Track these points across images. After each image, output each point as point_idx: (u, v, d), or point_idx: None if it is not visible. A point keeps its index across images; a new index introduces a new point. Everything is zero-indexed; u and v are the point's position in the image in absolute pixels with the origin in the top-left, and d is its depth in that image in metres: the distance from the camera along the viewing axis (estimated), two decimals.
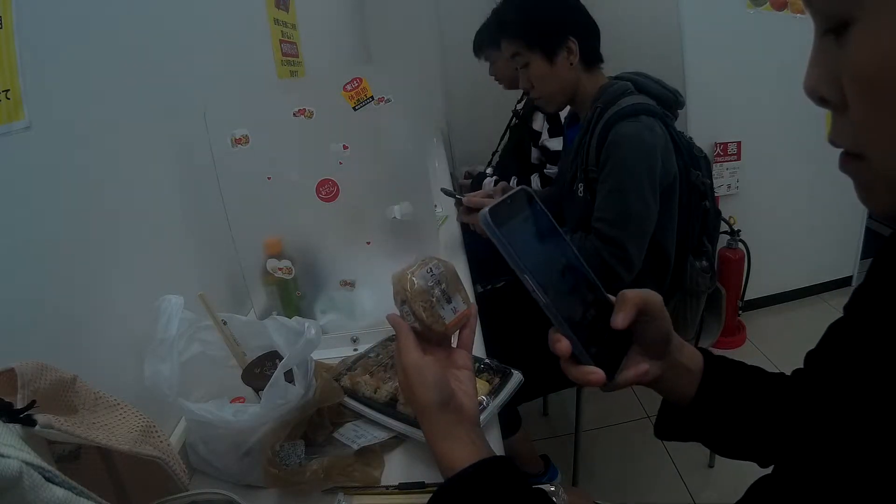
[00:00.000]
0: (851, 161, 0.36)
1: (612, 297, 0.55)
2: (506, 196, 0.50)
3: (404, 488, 0.64)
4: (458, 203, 1.39)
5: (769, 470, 0.48)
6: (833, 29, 0.33)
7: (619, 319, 0.51)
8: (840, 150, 0.36)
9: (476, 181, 2.23)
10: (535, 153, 1.96)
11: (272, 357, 0.75)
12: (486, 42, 2.11)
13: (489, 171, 2.29)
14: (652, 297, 0.53)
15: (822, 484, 0.37)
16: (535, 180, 1.92)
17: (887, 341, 0.37)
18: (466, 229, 1.57)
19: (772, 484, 0.44)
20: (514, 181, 1.96)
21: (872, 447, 0.33)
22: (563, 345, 0.50)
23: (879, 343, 0.37)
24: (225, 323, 0.74)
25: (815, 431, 0.40)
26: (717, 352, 0.62)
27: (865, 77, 0.32)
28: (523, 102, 2.27)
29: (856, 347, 0.41)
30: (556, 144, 1.88)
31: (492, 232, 0.46)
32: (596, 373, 0.50)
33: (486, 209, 0.46)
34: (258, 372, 0.73)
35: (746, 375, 0.60)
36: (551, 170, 1.90)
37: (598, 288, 0.55)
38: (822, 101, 0.36)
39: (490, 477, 0.49)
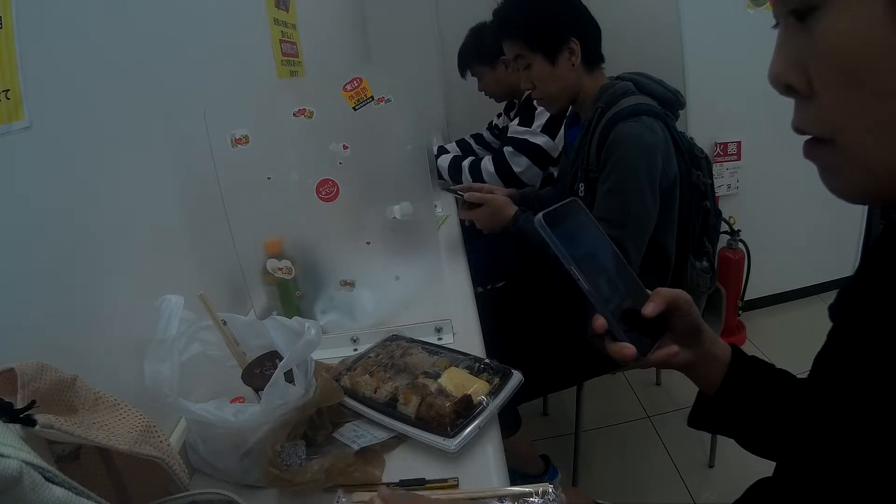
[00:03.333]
0: (819, 147, 0.37)
1: (648, 291, 0.63)
2: (558, 205, 0.60)
3: (405, 485, 0.64)
4: (460, 199, 1.39)
5: (769, 472, 0.48)
6: (796, 10, 0.34)
7: (650, 309, 0.59)
8: (805, 138, 0.37)
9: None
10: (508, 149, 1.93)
11: (272, 357, 0.75)
12: (468, 58, 2.12)
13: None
14: (682, 295, 0.61)
15: (822, 488, 0.37)
16: (489, 164, 1.89)
17: (883, 344, 0.36)
18: (467, 229, 1.57)
19: (772, 485, 0.44)
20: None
21: (870, 451, 0.33)
22: (600, 322, 0.58)
23: (875, 346, 0.37)
24: (225, 323, 0.74)
25: (815, 435, 0.40)
26: None
27: (836, 61, 0.32)
28: (503, 118, 2.28)
29: (851, 351, 0.41)
30: (522, 133, 1.86)
31: (545, 232, 0.56)
32: (628, 347, 0.57)
33: (541, 214, 0.57)
34: (258, 372, 0.73)
35: (769, 374, 0.62)
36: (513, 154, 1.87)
37: (637, 282, 0.63)
38: (787, 88, 0.37)
39: None
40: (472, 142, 2.39)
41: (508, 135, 1.90)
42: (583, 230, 0.60)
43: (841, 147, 0.35)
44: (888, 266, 0.40)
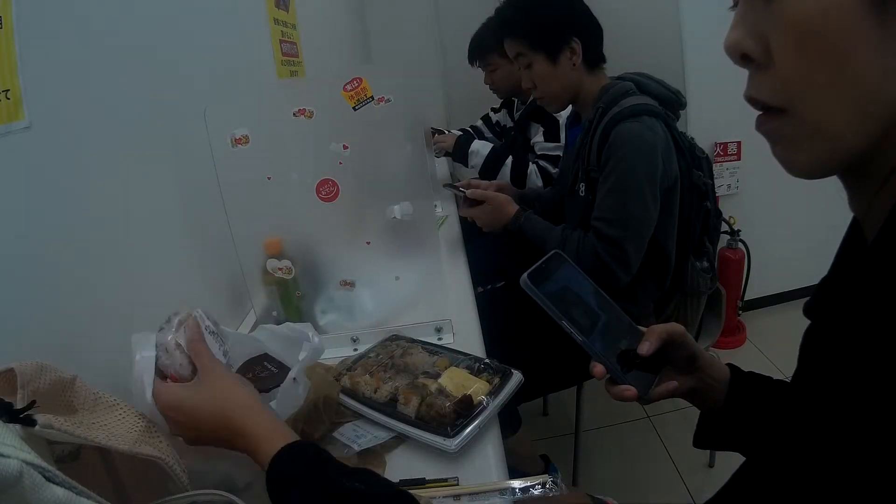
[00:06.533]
0: (772, 119, 0.38)
1: (643, 329, 0.66)
2: (541, 261, 0.62)
3: (405, 485, 0.64)
4: (461, 196, 1.40)
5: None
6: None
7: (646, 347, 0.62)
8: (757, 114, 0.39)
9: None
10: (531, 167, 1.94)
11: (260, 360, 0.73)
12: (487, 48, 2.08)
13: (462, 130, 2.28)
14: (676, 328, 0.65)
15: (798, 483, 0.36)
16: (534, 175, 1.89)
17: (855, 339, 0.35)
18: (467, 229, 1.57)
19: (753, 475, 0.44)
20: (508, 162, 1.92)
21: (849, 448, 0.32)
22: (598, 369, 0.62)
23: (848, 341, 0.35)
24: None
25: (797, 433, 0.40)
26: (716, 352, 0.65)
27: (798, 29, 0.34)
28: (502, 113, 2.28)
29: (827, 348, 0.40)
30: (553, 150, 1.87)
31: (531, 291, 0.59)
32: (629, 389, 0.61)
33: (526, 274, 0.59)
34: (250, 377, 0.72)
35: (768, 386, 0.62)
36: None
37: (629, 321, 0.66)
38: (743, 58, 0.38)
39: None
40: (471, 132, 2.38)
41: (538, 152, 1.90)
42: (569, 280, 0.64)
43: (795, 116, 0.36)
44: (855, 258, 0.40)
